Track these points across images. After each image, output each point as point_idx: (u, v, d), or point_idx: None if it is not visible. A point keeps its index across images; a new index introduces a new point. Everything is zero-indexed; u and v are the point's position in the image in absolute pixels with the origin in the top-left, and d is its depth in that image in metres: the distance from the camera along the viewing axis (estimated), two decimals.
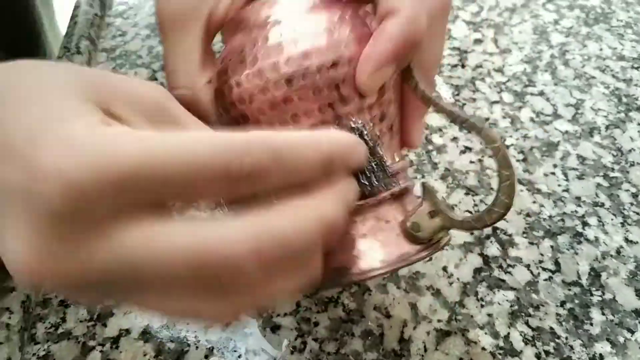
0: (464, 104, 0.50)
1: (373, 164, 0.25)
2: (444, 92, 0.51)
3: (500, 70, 0.54)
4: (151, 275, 0.16)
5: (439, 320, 0.35)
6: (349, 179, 0.20)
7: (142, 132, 0.16)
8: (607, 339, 0.35)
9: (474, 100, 0.50)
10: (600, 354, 0.34)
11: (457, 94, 0.51)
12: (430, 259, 0.38)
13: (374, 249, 0.25)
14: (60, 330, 0.34)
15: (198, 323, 0.19)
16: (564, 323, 0.35)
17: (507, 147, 0.46)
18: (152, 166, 0.15)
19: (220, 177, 0.16)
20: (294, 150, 0.18)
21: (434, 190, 0.25)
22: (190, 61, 0.26)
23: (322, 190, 0.19)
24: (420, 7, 0.23)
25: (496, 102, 0.50)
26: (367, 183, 0.25)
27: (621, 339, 0.35)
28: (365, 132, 0.25)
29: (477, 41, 0.57)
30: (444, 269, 0.37)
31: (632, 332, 0.35)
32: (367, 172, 0.24)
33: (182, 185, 0.16)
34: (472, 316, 0.35)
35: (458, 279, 0.37)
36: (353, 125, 0.25)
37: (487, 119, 0.49)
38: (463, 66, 0.54)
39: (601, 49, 0.57)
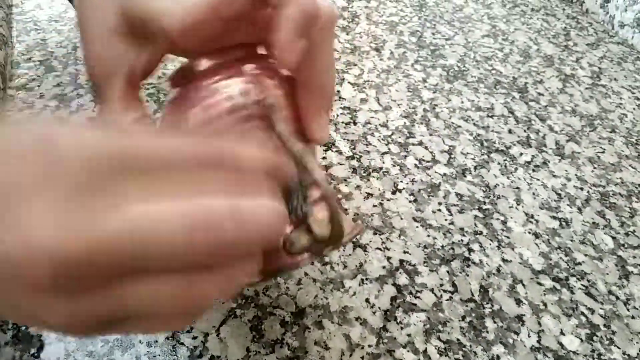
0: (361, 156, 0.57)
1: (299, 190, 0.28)
2: (342, 147, 0.58)
3: (385, 125, 0.62)
4: (153, 245, 0.19)
5: (369, 346, 0.41)
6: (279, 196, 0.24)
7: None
8: (500, 342, 0.43)
9: (368, 152, 0.58)
10: (497, 355, 0.42)
11: (354, 148, 0.58)
12: (355, 294, 0.44)
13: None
14: None
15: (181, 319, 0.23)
16: (466, 334, 0.43)
17: (400, 190, 0.55)
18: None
19: (190, 156, 0.21)
20: (245, 148, 0.23)
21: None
22: (114, 108, 0.31)
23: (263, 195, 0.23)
24: None
25: (386, 152, 0.59)
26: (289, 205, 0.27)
27: (510, 340, 0.43)
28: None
29: (363, 100, 0.66)
30: (367, 300, 0.44)
31: (518, 334, 0.44)
32: (292, 195, 0.27)
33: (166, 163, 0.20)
34: (395, 338, 0.42)
35: (379, 307, 0.43)
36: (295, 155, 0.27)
37: (380, 168, 0.57)
38: (355, 123, 0.62)
39: (462, 102, 0.69)
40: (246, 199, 0.22)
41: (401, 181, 0.56)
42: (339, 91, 0.66)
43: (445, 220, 0.53)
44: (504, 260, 0.50)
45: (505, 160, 0.61)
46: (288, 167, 0.25)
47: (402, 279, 0.46)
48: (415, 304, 0.44)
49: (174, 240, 0.19)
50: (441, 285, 0.46)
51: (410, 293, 0.45)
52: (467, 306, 0.45)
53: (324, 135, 0.31)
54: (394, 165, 0.57)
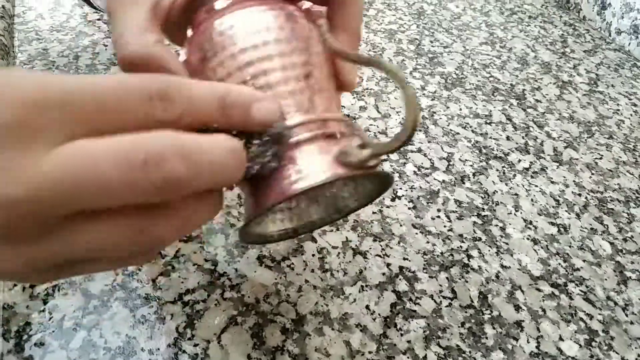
0: None
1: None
2: None
3: (384, 133, 0.63)
4: (87, 185, 0.18)
5: (369, 352, 0.41)
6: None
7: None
8: (500, 348, 0.43)
9: None
10: None
11: None
12: (359, 294, 0.44)
13: (311, 169, 0.27)
14: None
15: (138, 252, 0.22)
16: (465, 340, 0.43)
17: (399, 197, 0.55)
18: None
19: (141, 94, 0.20)
20: (195, 83, 0.22)
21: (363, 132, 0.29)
22: (137, 25, 0.27)
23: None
24: None
25: (385, 160, 0.59)
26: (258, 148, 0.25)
27: (509, 346, 0.43)
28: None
29: (362, 108, 0.66)
30: (367, 307, 0.44)
31: (517, 340, 0.44)
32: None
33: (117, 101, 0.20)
34: (395, 344, 0.42)
35: (379, 314, 0.44)
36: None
37: None
38: None
39: (460, 109, 0.69)
40: (196, 136, 0.21)
41: (400, 188, 0.56)
42: None
43: (444, 226, 0.53)
44: (502, 266, 0.50)
45: (503, 166, 0.62)
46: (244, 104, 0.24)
47: (402, 286, 0.46)
48: (415, 311, 0.45)
49: (109, 178, 0.18)
50: (440, 291, 0.47)
51: (410, 299, 0.45)
52: (466, 312, 0.45)
53: (354, 80, 0.30)
54: (393, 172, 0.58)
